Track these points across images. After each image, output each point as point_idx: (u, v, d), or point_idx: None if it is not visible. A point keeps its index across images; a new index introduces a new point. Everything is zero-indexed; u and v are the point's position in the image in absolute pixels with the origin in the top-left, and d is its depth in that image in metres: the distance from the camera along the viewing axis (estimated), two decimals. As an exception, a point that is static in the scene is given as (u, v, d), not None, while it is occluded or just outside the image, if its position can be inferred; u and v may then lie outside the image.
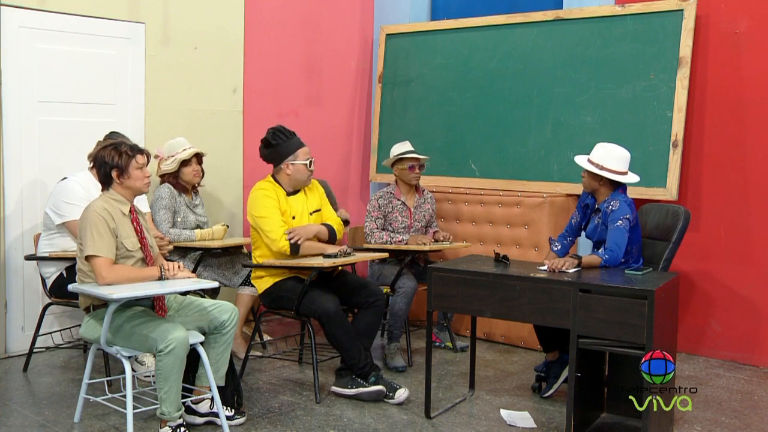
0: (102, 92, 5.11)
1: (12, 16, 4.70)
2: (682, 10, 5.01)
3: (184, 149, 4.91)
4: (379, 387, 4.11)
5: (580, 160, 4.14)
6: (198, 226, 4.94)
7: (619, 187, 4.08)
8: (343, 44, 6.51)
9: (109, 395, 3.73)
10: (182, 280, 3.62)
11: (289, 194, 4.39)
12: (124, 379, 3.51)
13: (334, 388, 4.22)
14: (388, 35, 6.48)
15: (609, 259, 3.91)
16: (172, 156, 4.88)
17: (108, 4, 5.08)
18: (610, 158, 4.04)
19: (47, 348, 4.76)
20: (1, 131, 4.71)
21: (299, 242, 4.23)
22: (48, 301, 4.54)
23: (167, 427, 3.47)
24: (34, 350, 4.57)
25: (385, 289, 4.75)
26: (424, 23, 6.40)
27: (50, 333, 4.78)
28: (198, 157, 4.97)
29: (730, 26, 4.99)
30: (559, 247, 4.35)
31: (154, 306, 3.67)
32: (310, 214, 4.44)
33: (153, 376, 3.66)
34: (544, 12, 5.62)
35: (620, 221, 3.95)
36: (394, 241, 4.96)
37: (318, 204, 4.51)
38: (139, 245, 3.65)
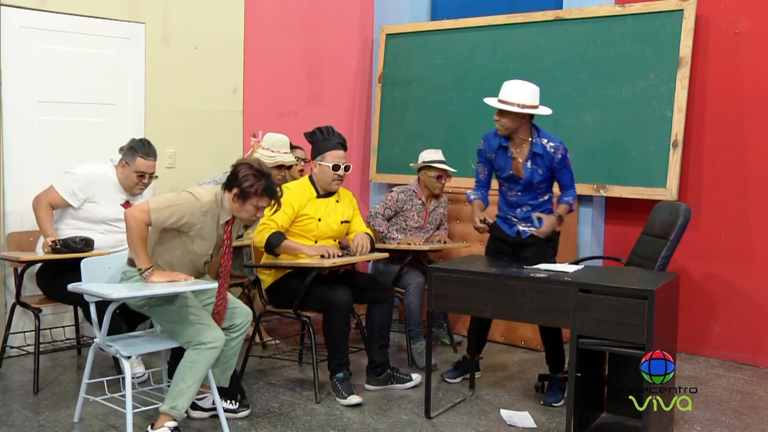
0: (102, 92, 5.11)
1: (12, 16, 4.70)
2: (682, 10, 5.01)
3: (286, 152, 4.80)
4: (357, 400, 4.09)
5: (494, 102, 4.05)
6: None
7: (533, 123, 4.10)
8: (343, 44, 6.51)
9: (109, 395, 3.73)
10: (188, 281, 3.54)
11: (320, 196, 4.37)
12: (123, 379, 3.51)
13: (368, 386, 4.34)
14: (388, 35, 6.48)
15: (573, 198, 4.15)
16: (271, 151, 4.77)
17: (108, 4, 5.08)
18: (526, 94, 3.98)
19: (47, 348, 4.76)
20: (1, 131, 4.71)
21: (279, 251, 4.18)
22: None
23: (165, 427, 3.44)
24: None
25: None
26: (424, 23, 6.40)
27: (50, 331, 4.78)
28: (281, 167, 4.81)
29: (730, 26, 4.99)
30: (478, 195, 4.30)
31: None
32: (341, 222, 4.41)
33: (151, 378, 3.65)
34: (544, 12, 5.63)
35: (569, 161, 4.12)
36: (389, 237, 4.96)
37: (349, 215, 4.48)
38: (211, 253, 3.64)
